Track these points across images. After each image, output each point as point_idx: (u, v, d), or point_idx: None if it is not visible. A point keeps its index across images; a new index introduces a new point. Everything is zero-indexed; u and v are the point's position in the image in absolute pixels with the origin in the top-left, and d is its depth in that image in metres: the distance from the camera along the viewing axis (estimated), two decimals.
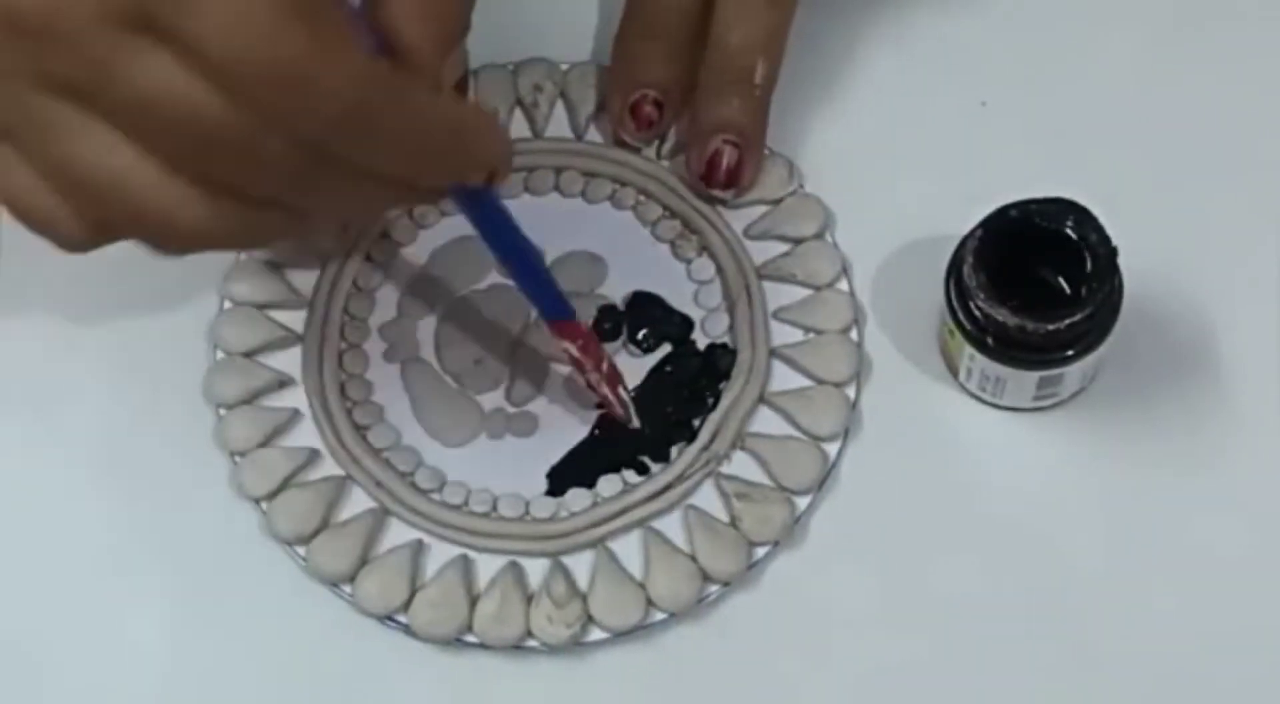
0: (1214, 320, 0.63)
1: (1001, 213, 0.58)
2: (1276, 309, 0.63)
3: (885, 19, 0.66)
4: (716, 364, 0.62)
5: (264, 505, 0.61)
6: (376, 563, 0.60)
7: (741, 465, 0.61)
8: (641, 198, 0.65)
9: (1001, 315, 0.57)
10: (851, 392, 0.62)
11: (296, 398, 0.62)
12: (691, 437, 0.61)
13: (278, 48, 0.41)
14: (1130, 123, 0.65)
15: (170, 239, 0.45)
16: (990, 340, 0.59)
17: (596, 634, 0.59)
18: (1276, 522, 0.61)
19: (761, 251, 0.64)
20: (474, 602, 0.59)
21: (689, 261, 0.64)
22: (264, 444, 0.62)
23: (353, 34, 0.43)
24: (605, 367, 0.60)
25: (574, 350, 0.59)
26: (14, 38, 0.42)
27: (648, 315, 0.63)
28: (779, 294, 0.63)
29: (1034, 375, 0.59)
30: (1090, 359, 0.59)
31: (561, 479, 0.61)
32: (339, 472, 0.61)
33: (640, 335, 0.63)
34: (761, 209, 0.64)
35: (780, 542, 0.60)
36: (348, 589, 0.60)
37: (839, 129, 0.65)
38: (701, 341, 0.63)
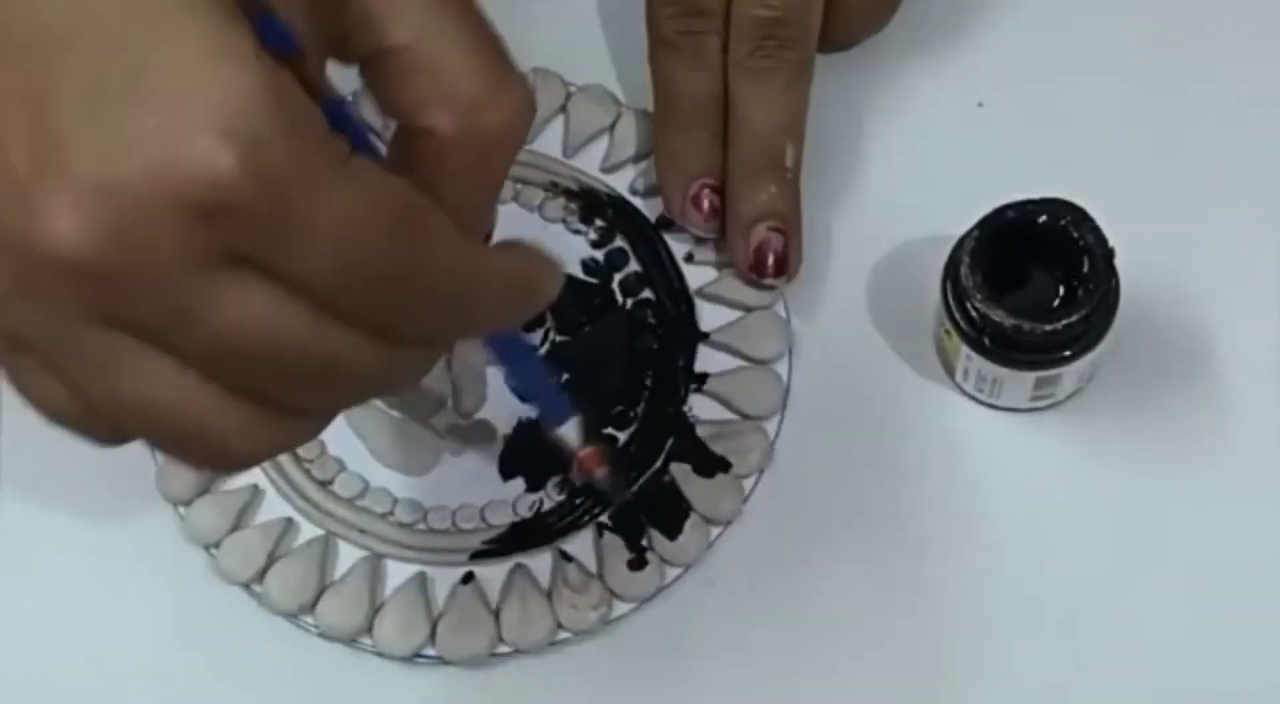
0: (1211, 321, 0.62)
1: (998, 213, 0.58)
2: (1274, 309, 0.63)
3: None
4: (644, 319, 0.63)
5: (255, 587, 0.60)
6: (389, 607, 0.60)
7: (703, 407, 0.62)
8: (519, 186, 0.65)
9: (998, 316, 0.57)
10: (782, 311, 0.63)
11: (252, 474, 0.62)
12: (645, 395, 0.62)
13: (394, 255, 0.37)
14: (1127, 123, 0.65)
15: (220, 462, 0.40)
16: (987, 341, 0.58)
17: (621, 608, 0.60)
18: (1274, 521, 0.60)
19: (655, 207, 0.64)
20: (496, 614, 0.60)
21: (584, 233, 0.64)
22: (236, 528, 0.61)
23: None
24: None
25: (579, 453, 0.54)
26: (69, 282, 0.36)
27: (565, 295, 0.63)
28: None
29: (1031, 376, 0.59)
30: (1087, 360, 0.59)
31: (514, 467, 0.61)
32: (319, 532, 0.61)
33: (564, 317, 0.63)
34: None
35: (764, 470, 0.61)
36: (368, 641, 0.60)
37: (835, 128, 0.64)
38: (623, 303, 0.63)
